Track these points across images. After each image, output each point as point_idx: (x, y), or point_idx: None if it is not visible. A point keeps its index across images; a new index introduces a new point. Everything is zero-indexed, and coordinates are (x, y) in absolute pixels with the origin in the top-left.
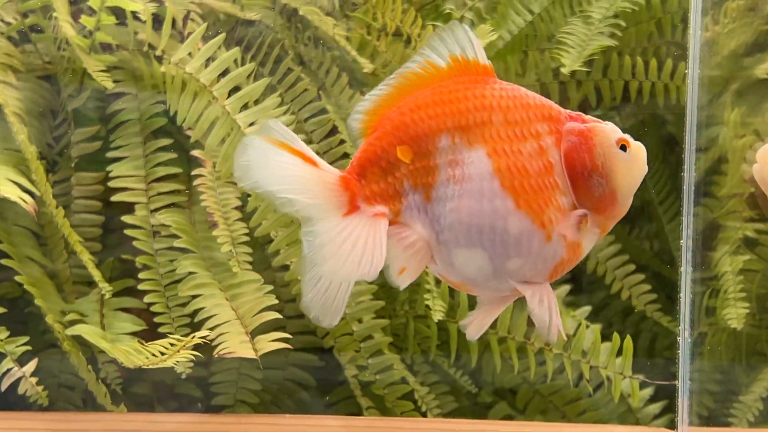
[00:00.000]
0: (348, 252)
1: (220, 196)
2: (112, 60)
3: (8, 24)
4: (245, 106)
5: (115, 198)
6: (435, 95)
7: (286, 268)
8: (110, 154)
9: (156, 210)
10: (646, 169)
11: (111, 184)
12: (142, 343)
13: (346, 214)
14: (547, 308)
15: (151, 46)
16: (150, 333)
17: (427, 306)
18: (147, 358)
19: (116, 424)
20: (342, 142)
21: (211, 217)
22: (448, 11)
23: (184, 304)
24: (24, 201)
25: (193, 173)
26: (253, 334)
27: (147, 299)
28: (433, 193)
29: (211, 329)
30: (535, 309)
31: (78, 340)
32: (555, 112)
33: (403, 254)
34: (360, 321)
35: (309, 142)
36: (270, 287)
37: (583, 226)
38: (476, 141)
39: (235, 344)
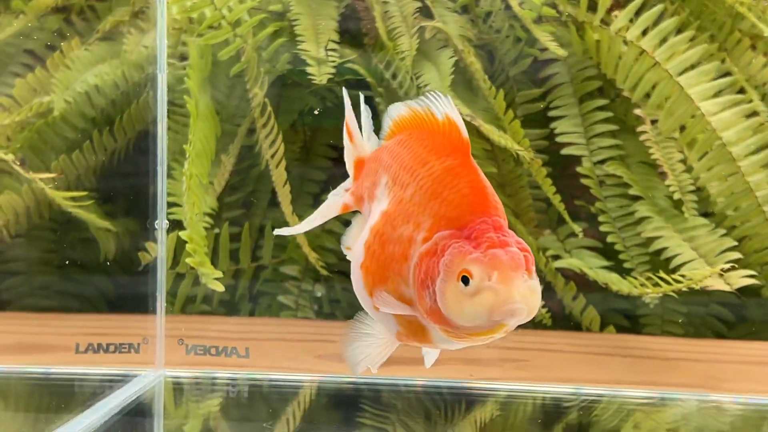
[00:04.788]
0: None
1: (664, 150)
2: (552, 30)
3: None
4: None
5: (564, 151)
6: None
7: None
8: (551, 113)
9: (600, 162)
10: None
11: (558, 139)
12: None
13: None
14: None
15: (573, 18)
16: None
17: None
18: (656, 285)
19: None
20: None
21: (661, 168)
22: None
23: (641, 244)
24: None
25: (638, 129)
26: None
27: (609, 239)
28: None
29: (677, 267)
30: None
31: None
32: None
33: None
34: None
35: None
36: (723, 230)
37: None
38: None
39: (707, 280)
